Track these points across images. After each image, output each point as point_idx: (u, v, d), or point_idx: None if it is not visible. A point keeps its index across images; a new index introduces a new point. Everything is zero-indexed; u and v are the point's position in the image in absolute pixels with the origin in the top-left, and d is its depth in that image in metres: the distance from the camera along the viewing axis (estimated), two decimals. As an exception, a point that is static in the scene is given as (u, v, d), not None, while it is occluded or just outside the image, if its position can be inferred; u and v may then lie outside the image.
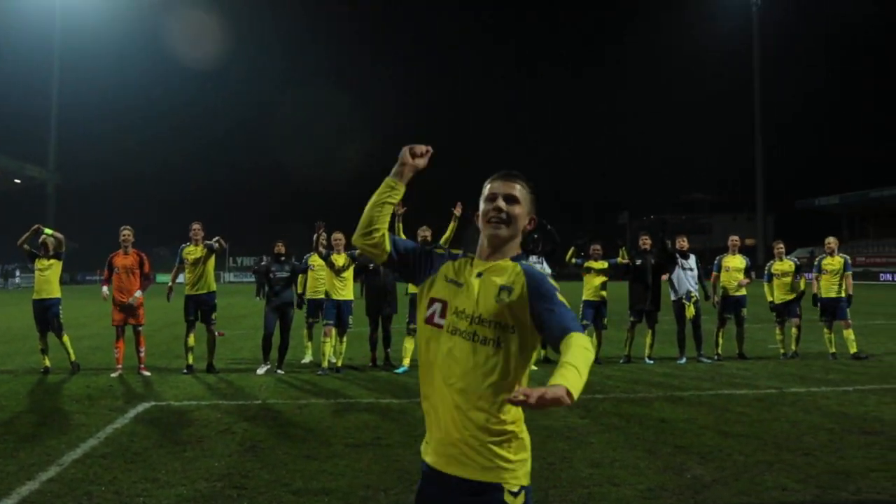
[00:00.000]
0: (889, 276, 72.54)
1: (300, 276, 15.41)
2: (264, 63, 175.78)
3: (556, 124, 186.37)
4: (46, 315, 14.44)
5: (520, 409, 3.25)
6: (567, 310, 3.22)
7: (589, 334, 15.20)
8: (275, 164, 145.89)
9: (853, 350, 15.54)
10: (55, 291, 14.58)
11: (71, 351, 14.44)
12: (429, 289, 3.49)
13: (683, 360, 15.36)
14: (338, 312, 14.27)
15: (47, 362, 14.28)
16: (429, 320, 3.44)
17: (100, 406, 10.86)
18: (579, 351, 2.96)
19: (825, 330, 16.07)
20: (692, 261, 15.91)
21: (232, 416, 10.14)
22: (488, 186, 3.50)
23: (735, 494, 6.69)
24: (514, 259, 3.44)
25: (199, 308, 14.27)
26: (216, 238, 14.36)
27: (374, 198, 3.52)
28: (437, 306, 3.43)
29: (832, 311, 15.98)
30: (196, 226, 14.49)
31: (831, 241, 16.44)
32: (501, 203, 3.42)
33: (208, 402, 11.28)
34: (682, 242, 15.96)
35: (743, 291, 16.22)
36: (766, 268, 16.91)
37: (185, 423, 9.68)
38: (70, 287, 66.56)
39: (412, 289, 14.47)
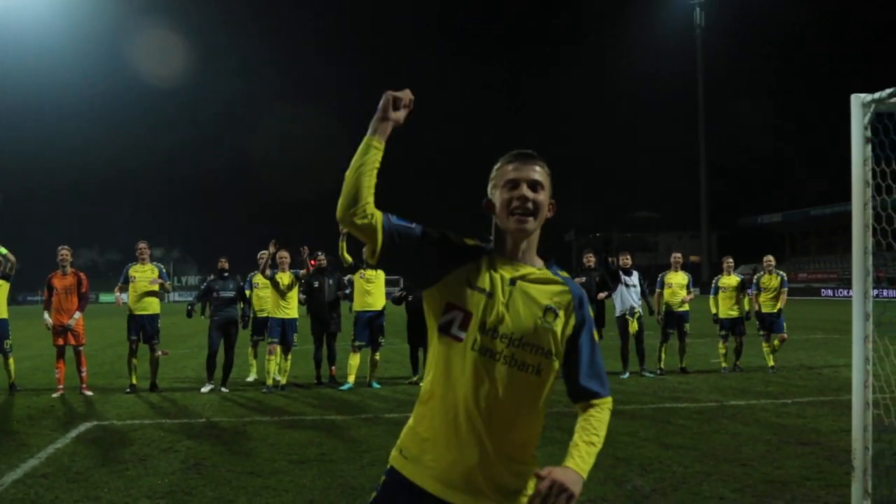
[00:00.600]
0: (829, 292, 73.63)
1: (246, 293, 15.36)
2: (217, 78, 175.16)
3: (502, 144, 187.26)
4: None
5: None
6: (600, 355, 3.01)
7: None
8: (231, 180, 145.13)
9: (770, 363, 16.03)
10: (3, 312, 14.36)
11: (13, 372, 14.26)
12: (443, 291, 2.93)
13: (626, 374, 15.53)
14: (282, 330, 14.24)
15: None
16: (444, 329, 2.91)
17: (41, 426, 10.74)
18: (603, 429, 2.91)
19: (764, 344, 16.37)
20: (635, 277, 16.10)
21: (175, 434, 10.08)
22: (507, 170, 2.97)
23: (673, 504, 6.81)
24: (548, 265, 3.05)
25: (142, 329, 14.14)
26: (161, 281, 14.34)
27: (355, 161, 2.80)
28: (458, 315, 2.89)
29: (769, 325, 16.34)
30: (142, 244, 14.37)
31: (770, 259, 16.85)
32: (527, 191, 2.93)
33: (151, 420, 11.20)
34: (626, 259, 16.18)
35: (686, 307, 16.46)
36: (714, 281, 17.21)
37: (128, 442, 9.59)
38: (11, 308, 65.55)
39: (356, 307, 14.52)
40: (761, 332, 16.57)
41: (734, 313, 16.60)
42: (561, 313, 2.93)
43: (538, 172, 2.97)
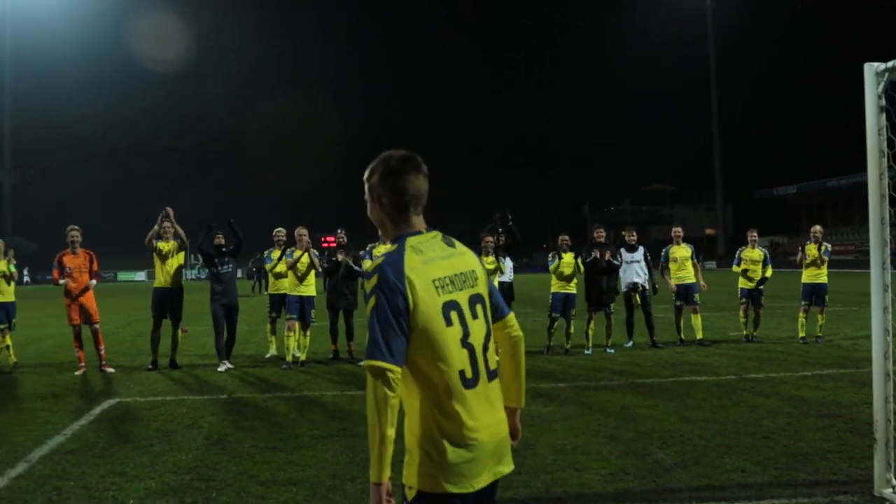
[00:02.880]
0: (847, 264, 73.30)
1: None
2: (228, 66, 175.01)
3: (517, 117, 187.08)
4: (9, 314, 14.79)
5: None
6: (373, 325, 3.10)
7: (560, 326, 15.42)
8: (242, 167, 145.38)
9: (819, 333, 16.32)
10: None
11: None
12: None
13: (630, 343, 15.95)
14: (301, 307, 14.32)
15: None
16: None
17: (65, 403, 10.86)
18: None
19: (802, 315, 16.54)
20: (640, 252, 16.26)
21: (198, 410, 10.17)
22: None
23: (695, 477, 6.83)
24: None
25: (167, 304, 14.25)
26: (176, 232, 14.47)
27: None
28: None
29: (815, 296, 16.55)
30: (167, 223, 14.43)
31: (817, 229, 17.04)
32: None
33: (174, 397, 11.29)
34: (630, 235, 16.29)
35: (691, 278, 16.52)
36: (737, 253, 17.34)
37: (152, 419, 9.69)
38: (31, 288, 66.04)
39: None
40: (804, 303, 16.62)
41: (754, 284, 16.68)
42: None
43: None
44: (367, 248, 14.92)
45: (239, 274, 14.99)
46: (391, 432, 3.02)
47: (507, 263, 15.86)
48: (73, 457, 7.84)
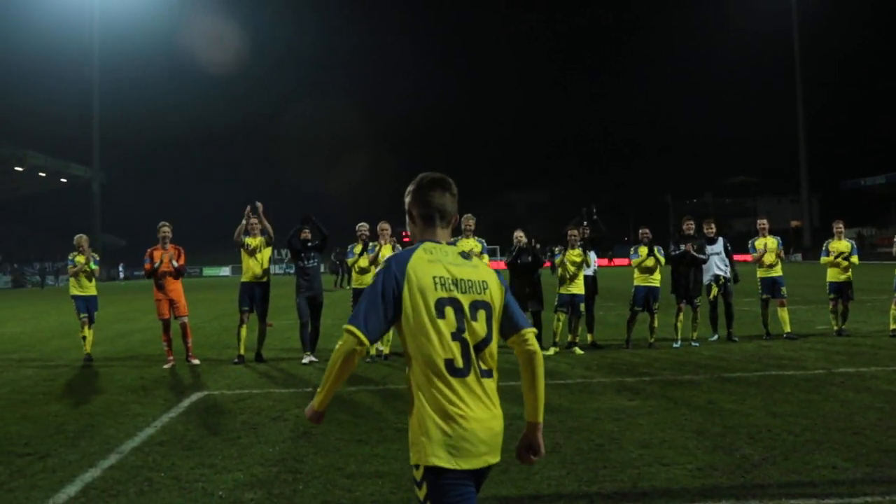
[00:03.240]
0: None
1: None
2: (304, 60, 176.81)
3: (597, 107, 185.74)
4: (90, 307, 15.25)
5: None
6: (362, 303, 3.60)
7: (644, 319, 15.31)
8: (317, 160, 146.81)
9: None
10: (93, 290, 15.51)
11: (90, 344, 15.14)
12: None
13: (715, 336, 15.70)
14: None
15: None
16: None
17: (154, 396, 11.10)
18: None
19: (893, 307, 16.02)
20: (719, 244, 16.05)
21: (284, 403, 10.31)
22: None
23: (785, 473, 6.71)
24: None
25: (254, 298, 14.48)
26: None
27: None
28: None
29: None
30: (253, 219, 14.63)
31: None
32: None
33: (260, 390, 11.46)
34: (710, 227, 16.08)
35: (779, 271, 16.24)
36: (825, 245, 17.04)
37: (239, 411, 9.86)
38: (125, 283, 67.59)
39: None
40: None
41: (843, 277, 16.30)
42: None
43: None
44: (453, 240, 14.98)
45: (322, 269, 15.12)
46: (339, 383, 3.58)
47: (591, 257, 15.80)
48: (164, 448, 8.02)
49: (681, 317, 15.52)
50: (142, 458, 7.68)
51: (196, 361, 14.10)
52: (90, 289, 15.27)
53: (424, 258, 3.62)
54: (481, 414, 3.50)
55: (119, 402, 10.74)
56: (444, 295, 3.56)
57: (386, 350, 14.42)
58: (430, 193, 3.79)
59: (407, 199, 3.85)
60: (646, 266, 15.34)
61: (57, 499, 6.47)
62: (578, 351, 14.51)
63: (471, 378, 3.51)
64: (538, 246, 15.41)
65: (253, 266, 14.53)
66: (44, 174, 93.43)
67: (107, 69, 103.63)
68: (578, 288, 14.80)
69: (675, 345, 15.15)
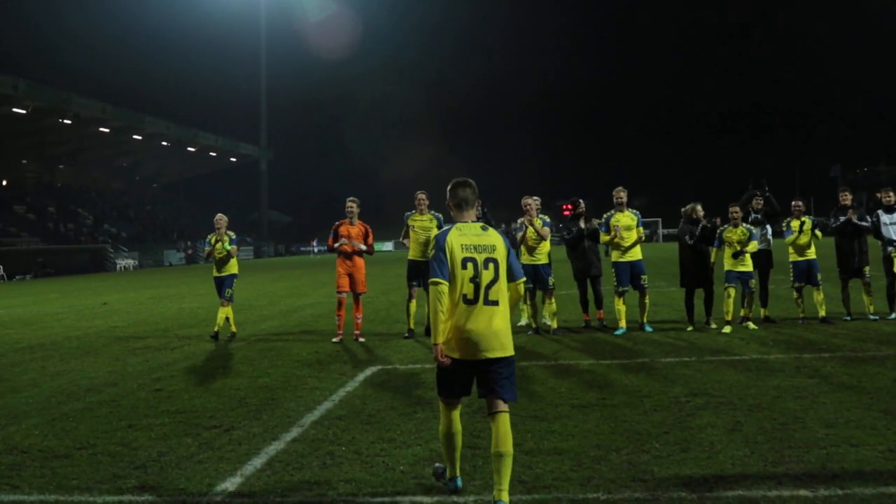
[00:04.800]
0: None
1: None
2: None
3: (761, 71, 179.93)
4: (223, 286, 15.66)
5: None
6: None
7: (808, 293, 14.67)
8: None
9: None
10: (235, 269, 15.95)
11: (221, 322, 15.47)
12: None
13: (894, 315, 14.66)
14: (535, 275, 14.30)
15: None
16: None
17: (330, 370, 11.34)
18: None
19: None
20: None
21: (456, 378, 10.32)
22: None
23: None
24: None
25: (421, 274, 14.58)
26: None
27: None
28: None
29: None
30: (421, 195, 14.70)
31: None
32: None
33: (432, 364, 11.49)
34: (888, 196, 15.10)
35: None
36: None
37: (413, 386, 9.97)
38: (285, 259, 69.40)
39: (615, 256, 14.45)
40: None
41: None
42: None
43: None
44: (605, 217, 14.74)
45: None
46: (443, 317, 5.68)
47: (768, 231, 15.32)
48: (343, 422, 8.16)
49: (848, 291, 14.86)
50: (322, 431, 7.83)
51: (362, 339, 14.30)
52: (229, 268, 15.67)
53: (456, 234, 5.80)
54: (481, 326, 5.67)
55: (296, 375, 11.02)
56: (468, 255, 5.74)
57: (554, 324, 14.32)
58: (456, 191, 6.00)
59: (448, 197, 6.02)
60: (799, 244, 14.75)
61: (245, 470, 6.65)
62: (752, 326, 14.06)
63: (478, 306, 5.70)
64: (718, 221, 14.99)
65: (419, 243, 14.56)
66: (214, 154, 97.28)
67: (273, 54, 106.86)
68: (745, 265, 14.26)
69: (846, 318, 14.57)
